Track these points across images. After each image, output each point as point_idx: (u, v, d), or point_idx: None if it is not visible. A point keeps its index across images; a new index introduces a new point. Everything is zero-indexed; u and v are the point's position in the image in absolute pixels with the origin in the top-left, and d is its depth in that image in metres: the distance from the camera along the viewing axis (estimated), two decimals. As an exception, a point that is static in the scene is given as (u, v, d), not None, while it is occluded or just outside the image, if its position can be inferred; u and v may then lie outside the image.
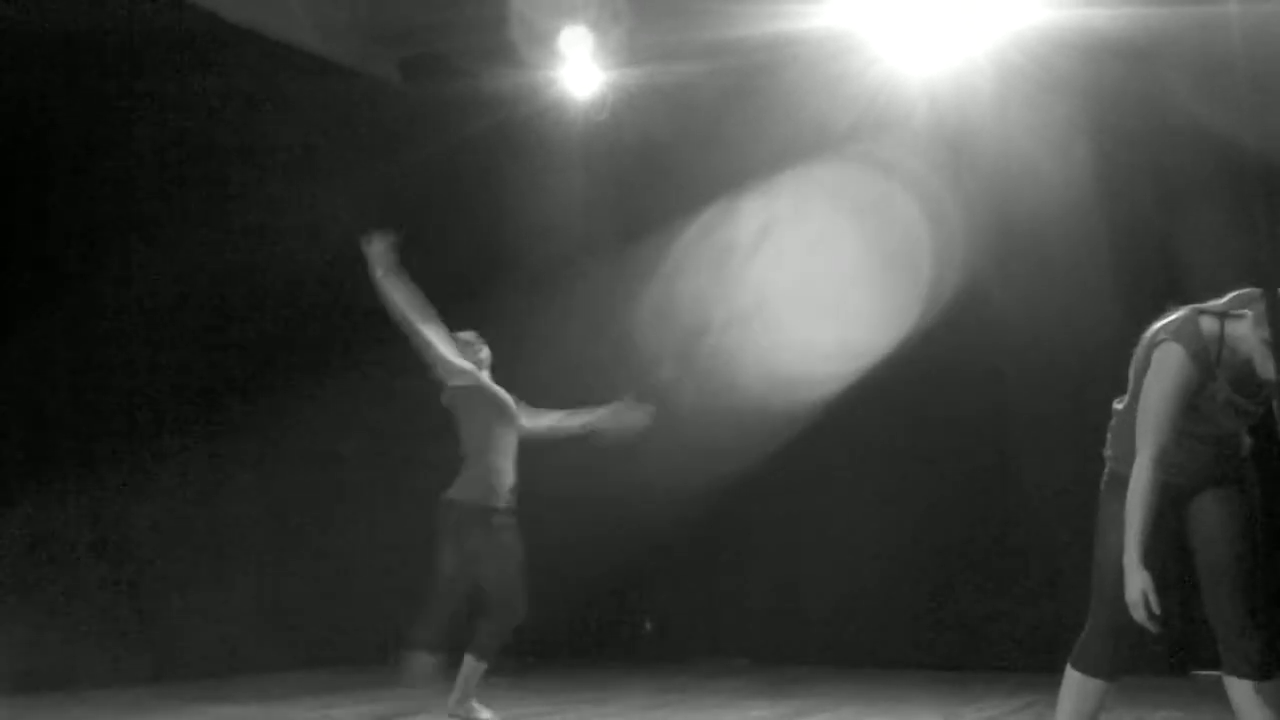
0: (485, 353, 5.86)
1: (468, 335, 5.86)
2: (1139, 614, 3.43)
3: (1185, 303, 3.68)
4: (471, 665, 5.55)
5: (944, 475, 8.01)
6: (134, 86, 7.67)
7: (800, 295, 8.22)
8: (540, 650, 8.63)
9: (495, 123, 8.58)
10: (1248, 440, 3.76)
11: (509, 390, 5.87)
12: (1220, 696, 3.70)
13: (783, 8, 7.27)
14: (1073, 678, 3.78)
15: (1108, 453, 3.88)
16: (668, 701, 6.87)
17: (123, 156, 7.73)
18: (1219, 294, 3.66)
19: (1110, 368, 4.09)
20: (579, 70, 8.17)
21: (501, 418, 5.72)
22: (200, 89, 7.89)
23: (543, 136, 8.70)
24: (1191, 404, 3.55)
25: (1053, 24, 7.01)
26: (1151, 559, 3.46)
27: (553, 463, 8.65)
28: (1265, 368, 3.50)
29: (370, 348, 8.52)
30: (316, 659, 8.24)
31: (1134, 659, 3.78)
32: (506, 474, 5.68)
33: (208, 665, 7.75)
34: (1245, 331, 3.54)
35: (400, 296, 5.57)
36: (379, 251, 5.56)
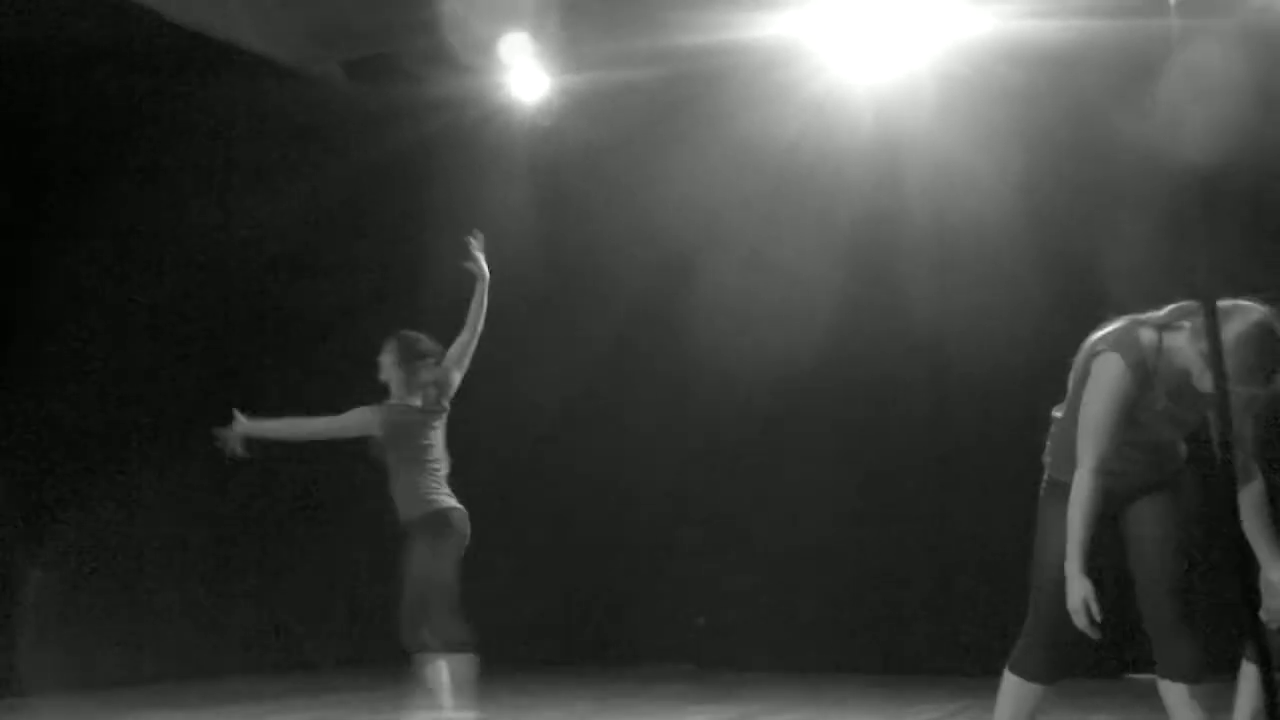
0: (425, 375, 5.67)
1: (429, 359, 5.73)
2: (1080, 621, 3.48)
3: (1123, 313, 3.74)
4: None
5: (883, 481, 8.07)
6: (71, 87, 7.58)
7: (742, 302, 8.24)
8: (487, 655, 8.59)
9: (440, 127, 8.55)
10: (1184, 448, 3.83)
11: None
12: (1154, 699, 3.76)
13: (729, 17, 7.30)
14: (1010, 682, 3.83)
15: (1046, 460, 3.94)
16: (612, 706, 6.88)
17: (57, 157, 7.64)
18: (1157, 305, 3.72)
19: (1049, 375, 4.14)
20: (525, 75, 8.16)
21: (415, 434, 5.60)
22: (141, 89, 7.81)
23: (488, 141, 8.68)
24: (1130, 414, 3.61)
25: (995, 35, 7.08)
26: (1091, 566, 3.51)
27: (495, 466, 8.72)
28: (1202, 380, 3.56)
29: (313, 347, 8.54)
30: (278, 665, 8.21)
31: (1070, 663, 3.83)
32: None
33: (158, 670, 7.68)
34: (1183, 344, 3.60)
35: (276, 433, 5.56)
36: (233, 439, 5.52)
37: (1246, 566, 2.89)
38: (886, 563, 8.00)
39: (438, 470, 5.55)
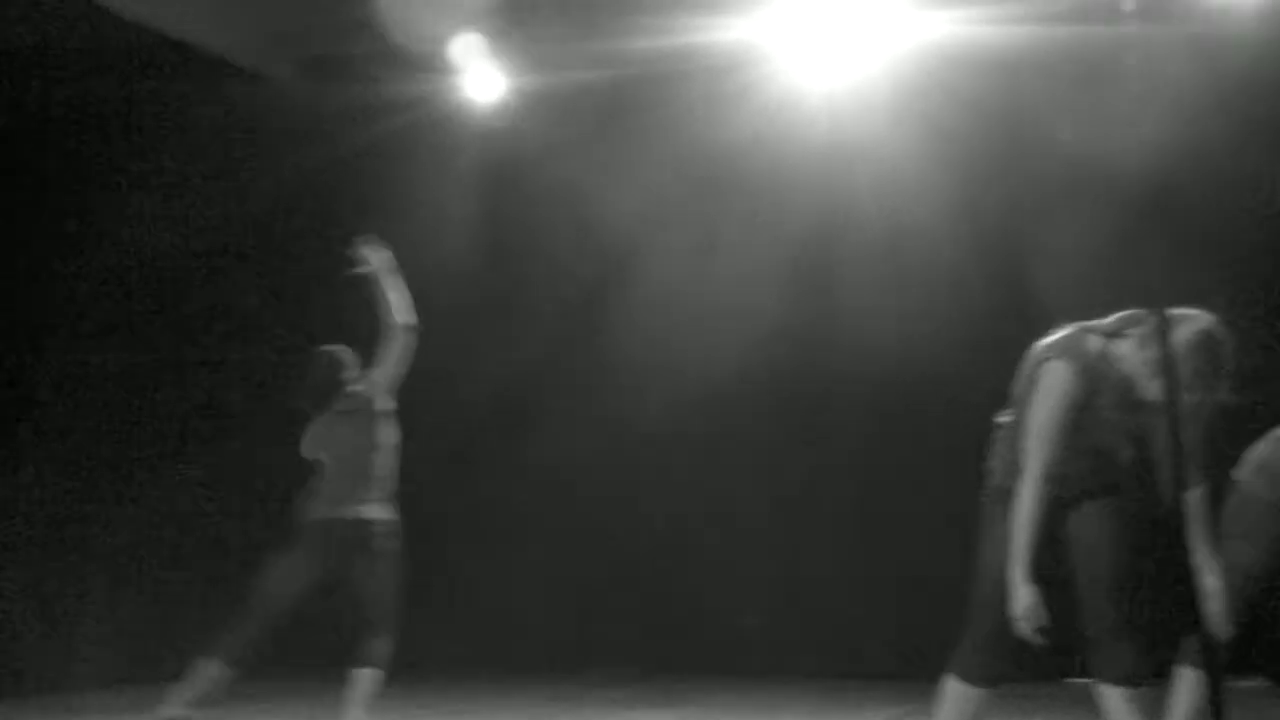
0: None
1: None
2: (1024, 627, 3.51)
3: (1071, 321, 3.78)
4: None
5: (828, 483, 8.06)
6: (20, 86, 7.49)
7: (693, 303, 8.24)
8: (434, 659, 8.58)
9: (394, 127, 8.50)
10: (1128, 454, 3.87)
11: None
12: (1093, 703, 3.79)
13: (686, 20, 7.32)
14: (951, 686, 3.85)
15: (991, 465, 3.97)
16: (558, 710, 6.87)
17: (3, 155, 7.55)
18: (1105, 313, 3.76)
19: (996, 380, 4.17)
20: (480, 76, 8.13)
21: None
22: (93, 86, 7.73)
23: (441, 142, 8.63)
24: (1075, 420, 3.64)
25: (949, 40, 7.12)
26: (1033, 571, 3.55)
27: (438, 465, 8.68)
28: (1145, 387, 3.60)
29: (263, 344, 8.49)
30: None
31: (1009, 667, 3.86)
32: None
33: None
34: (1128, 351, 3.64)
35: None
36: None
37: (1189, 572, 2.92)
38: (832, 566, 8.01)
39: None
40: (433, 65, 8.02)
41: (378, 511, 5.45)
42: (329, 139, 8.60)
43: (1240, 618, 4.19)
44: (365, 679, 5.34)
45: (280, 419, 6.05)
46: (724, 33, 7.37)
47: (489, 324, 8.84)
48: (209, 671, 5.26)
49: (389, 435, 5.57)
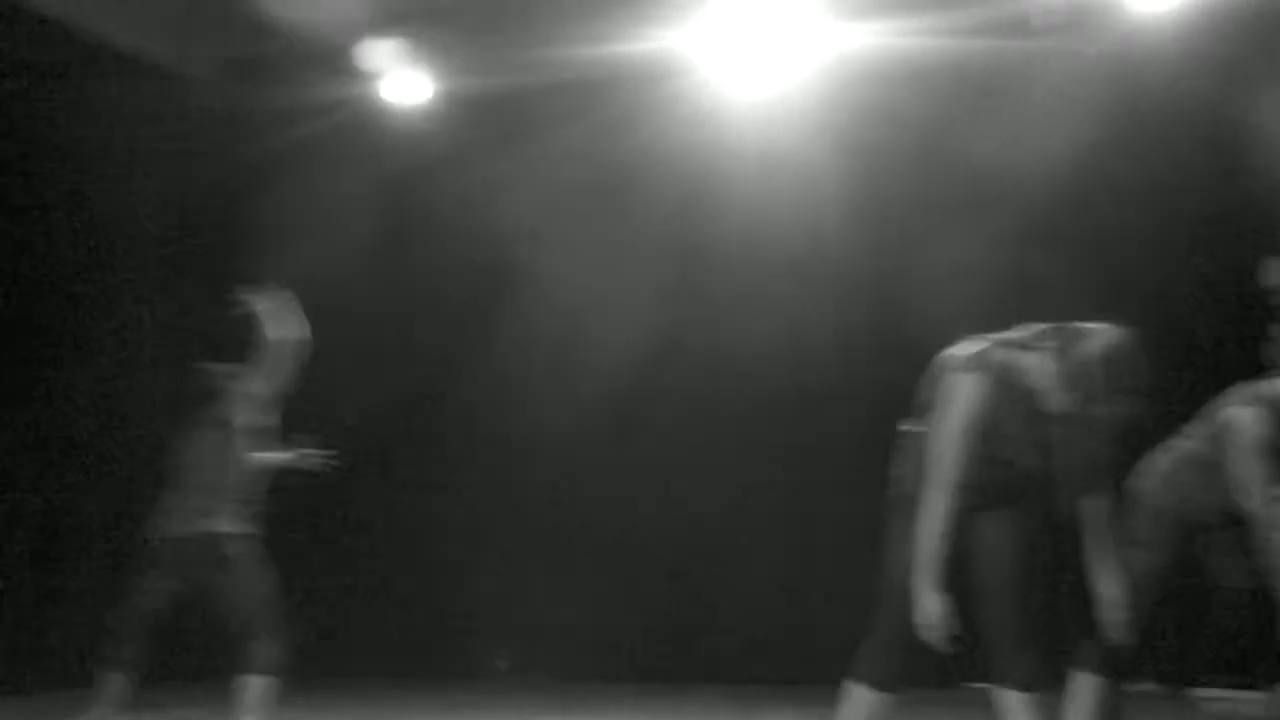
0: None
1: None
2: (931, 635, 3.55)
3: (980, 332, 3.82)
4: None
5: (733, 493, 8.08)
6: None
7: (614, 314, 8.22)
8: (331, 664, 8.50)
9: (313, 130, 8.40)
10: (1031, 464, 3.92)
11: None
12: (992, 708, 3.84)
13: (616, 29, 7.31)
14: (854, 691, 3.89)
15: (897, 472, 4.00)
16: (460, 717, 6.87)
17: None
18: (1014, 325, 3.81)
19: (907, 389, 4.21)
20: (403, 80, 8.04)
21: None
22: (6, 86, 7.54)
23: (361, 145, 8.53)
24: (981, 430, 3.69)
25: (869, 51, 7.18)
26: (941, 579, 3.59)
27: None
28: (1050, 399, 3.66)
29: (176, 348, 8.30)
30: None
31: (911, 672, 3.90)
32: None
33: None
34: (1034, 364, 3.69)
35: None
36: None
37: (1089, 579, 2.97)
38: (735, 571, 8.05)
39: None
40: (353, 69, 7.94)
41: (229, 525, 5.42)
42: (246, 141, 8.48)
43: (1137, 624, 4.28)
44: (254, 686, 5.31)
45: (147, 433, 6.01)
46: (655, 42, 7.37)
47: (392, 329, 8.76)
48: (113, 684, 5.25)
49: (252, 450, 5.54)
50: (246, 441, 5.53)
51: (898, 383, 5.70)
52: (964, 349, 3.78)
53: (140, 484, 6.19)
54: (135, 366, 8.27)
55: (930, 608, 3.53)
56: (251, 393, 5.55)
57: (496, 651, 8.52)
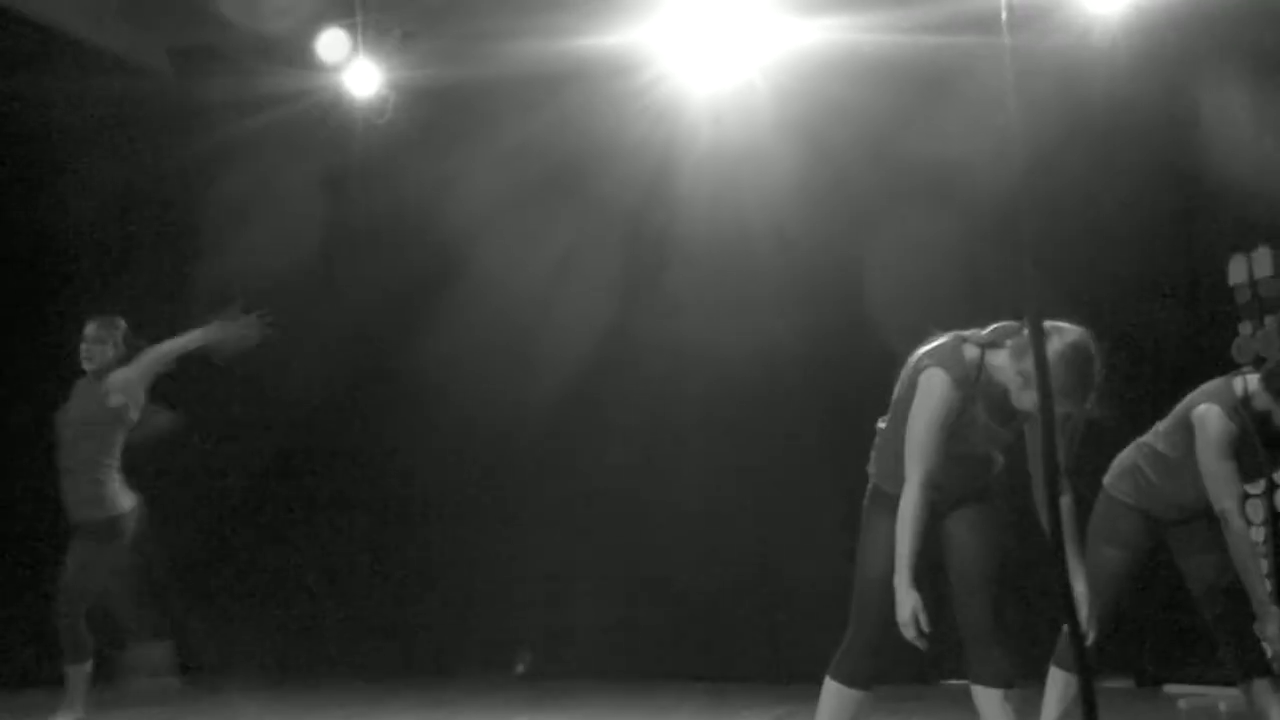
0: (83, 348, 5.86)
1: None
2: (910, 633, 3.57)
3: (948, 330, 3.85)
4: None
5: (704, 490, 8.03)
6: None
7: (570, 311, 8.20)
8: (312, 664, 8.46)
9: (270, 120, 8.34)
10: (999, 461, 3.96)
11: None
12: (968, 704, 3.87)
13: (573, 23, 7.31)
14: (831, 688, 3.91)
15: (870, 470, 4.03)
16: (435, 716, 6.82)
17: None
18: (982, 322, 3.84)
19: (877, 386, 4.24)
20: (359, 70, 8.01)
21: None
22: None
23: (318, 136, 8.49)
24: (952, 428, 3.72)
25: (824, 46, 7.20)
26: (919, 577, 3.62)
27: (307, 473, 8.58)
28: (1019, 397, 3.70)
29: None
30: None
31: (887, 669, 3.92)
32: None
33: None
34: (1003, 362, 3.73)
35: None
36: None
37: (1065, 578, 3.00)
38: (712, 569, 8.04)
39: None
40: (306, 60, 7.90)
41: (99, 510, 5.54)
42: (197, 131, 8.42)
43: (1109, 621, 4.32)
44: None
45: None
46: (610, 36, 7.37)
47: (346, 324, 8.69)
48: (79, 675, 5.27)
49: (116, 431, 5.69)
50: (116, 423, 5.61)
51: (861, 377, 5.78)
52: (932, 346, 3.81)
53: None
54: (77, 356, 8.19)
55: (909, 605, 3.55)
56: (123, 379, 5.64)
57: (516, 653, 8.44)
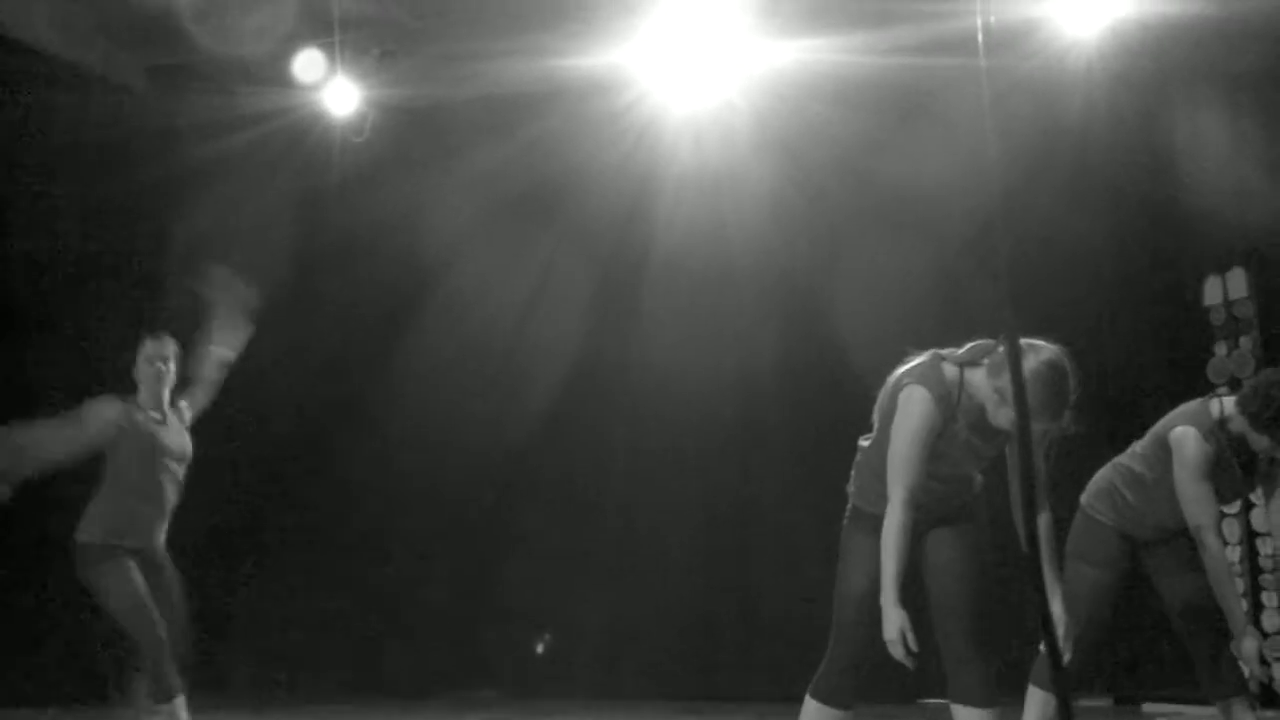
0: (159, 368, 5.40)
1: (151, 348, 5.49)
2: (897, 651, 3.56)
3: (926, 349, 3.86)
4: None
5: (683, 511, 8.07)
6: None
7: (549, 331, 8.20)
8: (292, 683, 8.41)
9: (249, 139, 8.32)
10: (979, 479, 3.97)
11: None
12: (948, 723, 3.88)
13: (552, 43, 7.33)
14: (811, 707, 3.90)
15: (850, 489, 4.03)
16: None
17: None
18: (960, 341, 3.85)
19: (854, 407, 4.24)
20: (338, 90, 8.01)
21: (149, 455, 5.31)
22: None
23: (296, 155, 8.48)
24: (933, 446, 3.72)
25: (802, 67, 7.23)
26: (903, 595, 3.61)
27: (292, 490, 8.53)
28: (997, 415, 3.70)
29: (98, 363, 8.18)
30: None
31: (867, 687, 3.92)
32: (143, 514, 5.30)
33: None
34: (981, 380, 3.73)
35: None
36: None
37: (1038, 595, 3.00)
38: (691, 588, 8.04)
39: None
40: (283, 79, 7.89)
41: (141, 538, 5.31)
42: (172, 150, 8.40)
43: (1087, 640, 4.32)
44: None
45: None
46: (590, 57, 7.40)
47: (323, 344, 8.68)
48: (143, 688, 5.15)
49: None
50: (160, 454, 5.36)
51: (840, 396, 5.80)
52: (912, 364, 3.82)
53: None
54: (51, 371, 8.12)
55: (895, 624, 3.55)
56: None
57: (537, 634, 8.39)
